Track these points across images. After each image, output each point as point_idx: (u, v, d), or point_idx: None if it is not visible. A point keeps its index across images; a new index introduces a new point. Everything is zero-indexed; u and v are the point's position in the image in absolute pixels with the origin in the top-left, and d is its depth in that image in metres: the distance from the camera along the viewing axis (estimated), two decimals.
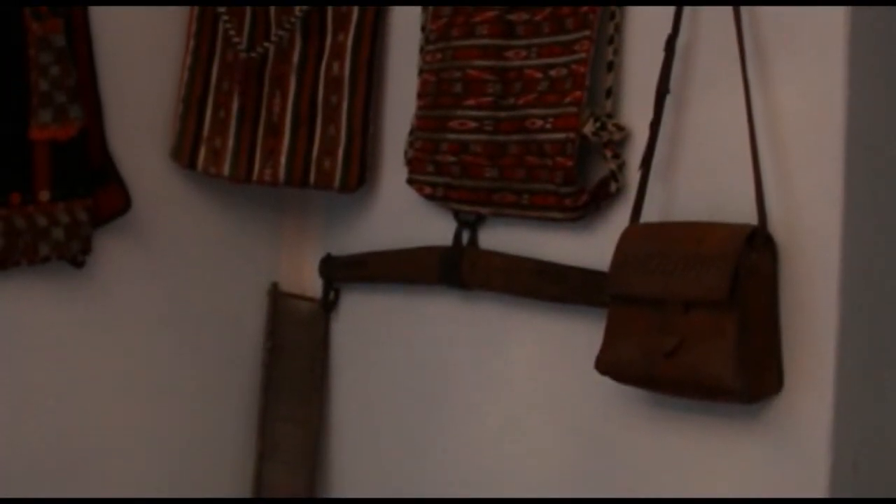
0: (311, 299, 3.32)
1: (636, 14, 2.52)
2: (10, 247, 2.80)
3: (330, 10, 3.04)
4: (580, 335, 2.57)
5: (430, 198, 2.88)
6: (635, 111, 2.50)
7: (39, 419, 2.97)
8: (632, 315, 2.32)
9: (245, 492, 3.33)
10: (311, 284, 3.33)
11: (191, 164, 3.17)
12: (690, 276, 2.21)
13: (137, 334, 3.13)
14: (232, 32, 3.12)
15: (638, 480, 2.51)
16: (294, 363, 3.32)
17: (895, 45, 2.28)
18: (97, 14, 2.98)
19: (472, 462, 2.88)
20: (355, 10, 3.01)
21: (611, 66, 2.54)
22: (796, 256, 2.23)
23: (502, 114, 2.65)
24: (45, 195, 2.84)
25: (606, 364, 2.38)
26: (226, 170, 3.14)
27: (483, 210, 2.77)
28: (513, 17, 2.66)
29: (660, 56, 2.37)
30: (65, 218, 2.86)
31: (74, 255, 2.92)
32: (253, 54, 3.10)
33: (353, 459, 3.24)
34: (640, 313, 2.30)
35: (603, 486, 2.58)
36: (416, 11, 2.93)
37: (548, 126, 2.56)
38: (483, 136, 2.69)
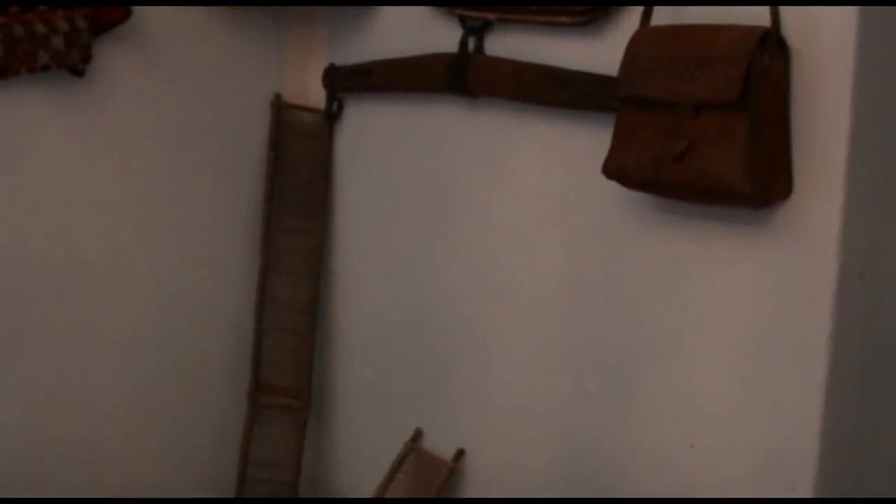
0: (314, 110, 3.30)
1: None
2: (10, 55, 2.76)
3: None
4: (587, 141, 2.55)
5: (436, 4, 2.84)
6: None
7: (42, 230, 2.97)
8: (641, 119, 2.30)
9: (249, 302, 3.35)
10: (315, 95, 3.30)
11: None
12: (701, 78, 2.18)
13: (139, 144, 3.11)
14: None
15: (645, 287, 2.52)
16: (298, 175, 3.31)
17: None
18: None
19: (478, 270, 2.89)
20: None
21: None
22: (809, 61, 2.20)
23: None
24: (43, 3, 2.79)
25: (614, 168, 2.36)
26: None
27: (489, 15, 2.73)
28: None
29: None
30: (64, 26, 2.82)
31: (74, 63, 2.88)
32: None
33: (357, 271, 3.26)
34: (649, 117, 2.28)
35: (609, 293, 2.60)
36: None
37: None
38: None
